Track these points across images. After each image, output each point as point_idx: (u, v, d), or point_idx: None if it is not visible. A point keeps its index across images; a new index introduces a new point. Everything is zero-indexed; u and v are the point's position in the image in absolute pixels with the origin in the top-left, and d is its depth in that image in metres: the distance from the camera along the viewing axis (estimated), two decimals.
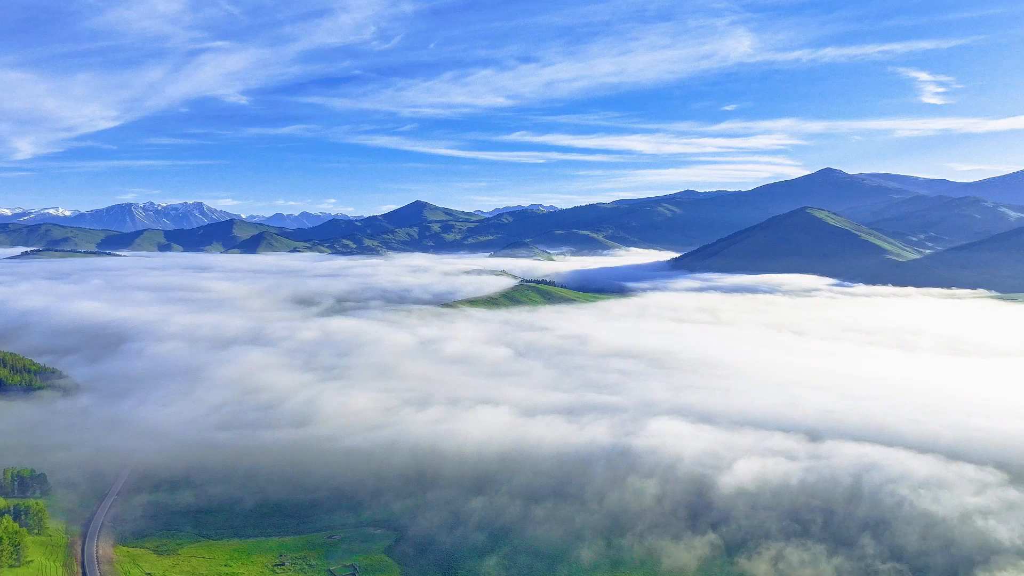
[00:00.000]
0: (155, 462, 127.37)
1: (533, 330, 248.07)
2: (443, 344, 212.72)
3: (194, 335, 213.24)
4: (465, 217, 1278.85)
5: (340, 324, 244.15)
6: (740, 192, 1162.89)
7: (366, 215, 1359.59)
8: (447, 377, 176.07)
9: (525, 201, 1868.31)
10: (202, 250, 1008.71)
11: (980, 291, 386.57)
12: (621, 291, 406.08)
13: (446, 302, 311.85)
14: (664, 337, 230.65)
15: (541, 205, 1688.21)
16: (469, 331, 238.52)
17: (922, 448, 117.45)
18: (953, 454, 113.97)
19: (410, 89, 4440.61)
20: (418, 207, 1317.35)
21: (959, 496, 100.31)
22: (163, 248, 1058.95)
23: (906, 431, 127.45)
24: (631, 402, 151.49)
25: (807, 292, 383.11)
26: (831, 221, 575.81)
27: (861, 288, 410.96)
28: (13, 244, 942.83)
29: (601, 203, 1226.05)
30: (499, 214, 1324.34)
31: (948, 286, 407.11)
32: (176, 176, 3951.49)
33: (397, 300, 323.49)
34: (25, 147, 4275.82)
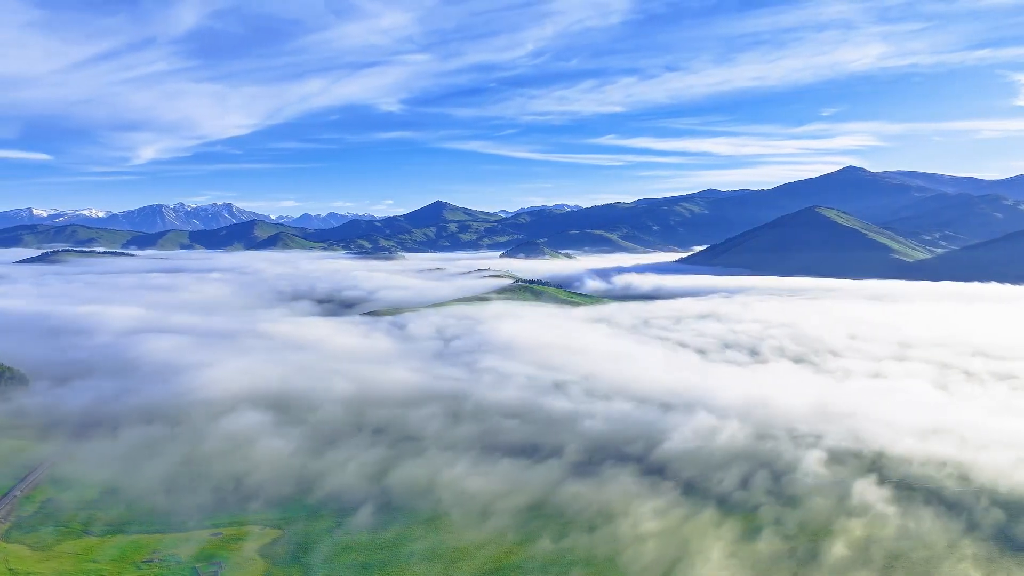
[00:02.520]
0: (68, 454, 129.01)
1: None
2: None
3: (136, 329, 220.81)
4: (484, 217, 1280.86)
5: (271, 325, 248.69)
6: (762, 191, 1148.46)
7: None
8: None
9: (580, 201, 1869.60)
10: (223, 250, 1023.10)
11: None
12: (612, 292, 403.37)
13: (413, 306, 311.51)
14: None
15: (566, 204, 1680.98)
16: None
17: None
18: None
19: (542, 98, 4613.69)
20: (438, 207, 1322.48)
21: None
22: (185, 248, 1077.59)
23: None
24: None
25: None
26: (840, 220, 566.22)
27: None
28: (40, 244, 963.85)
29: (620, 203, 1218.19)
30: (518, 214, 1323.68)
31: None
32: (261, 179, 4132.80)
33: (377, 301, 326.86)
34: (146, 153, 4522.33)
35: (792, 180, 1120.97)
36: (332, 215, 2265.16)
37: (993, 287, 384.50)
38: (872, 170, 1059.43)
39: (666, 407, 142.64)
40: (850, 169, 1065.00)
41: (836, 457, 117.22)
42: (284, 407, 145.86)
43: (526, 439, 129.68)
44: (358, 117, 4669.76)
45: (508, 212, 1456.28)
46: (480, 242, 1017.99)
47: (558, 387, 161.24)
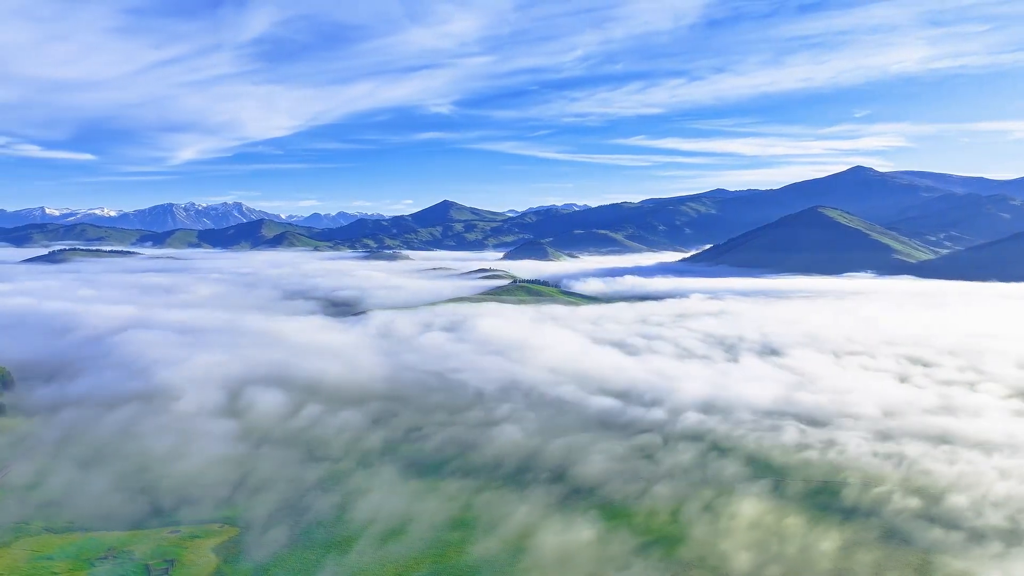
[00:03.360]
0: (35, 451, 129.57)
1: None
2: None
3: (120, 327, 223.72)
4: (491, 216, 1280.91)
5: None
6: (770, 191, 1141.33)
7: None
8: None
9: (601, 201, 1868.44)
10: (229, 248, 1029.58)
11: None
12: (609, 293, 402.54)
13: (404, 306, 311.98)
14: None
15: (575, 204, 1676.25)
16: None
17: None
18: None
19: (586, 99, 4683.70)
20: (445, 206, 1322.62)
21: None
22: (192, 247, 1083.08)
23: None
24: None
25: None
26: (843, 220, 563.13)
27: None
28: (49, 243, 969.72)
29: (627, 202, 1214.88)
30: (525, 213, 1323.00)
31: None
32: (290, 178, 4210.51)
33: (368, 301, 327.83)
34: (185, 154, 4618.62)
35: (806, 180, 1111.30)
36: (341, 214, 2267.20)
37: (993, 286, 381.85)
38: (895, 170, 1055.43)
39: (622, 413, 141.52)
40: (858, 169, 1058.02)
41: (780, 472, 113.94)
42: (239, 407, 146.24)
43: (463, 445, 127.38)
44: (404, 118, 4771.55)
45: (516, 212, 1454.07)
46: (486, 242, 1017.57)
47: (517, 390, 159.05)
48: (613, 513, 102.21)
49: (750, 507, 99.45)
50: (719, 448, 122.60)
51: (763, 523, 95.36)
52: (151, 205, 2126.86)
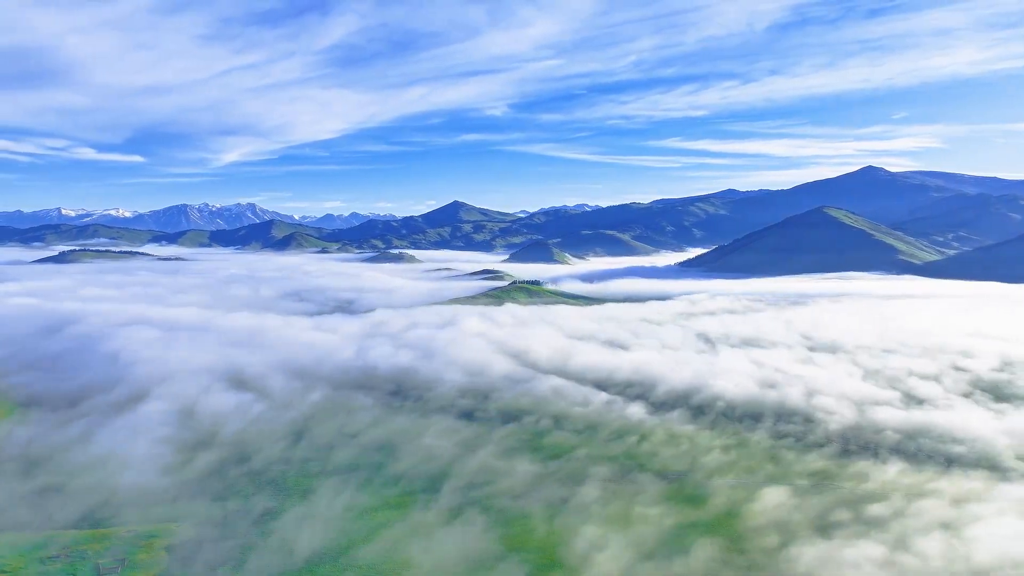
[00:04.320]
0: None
1: None
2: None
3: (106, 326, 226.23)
4: (500, 217, 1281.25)
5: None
6: (780, 191, 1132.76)
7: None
8: None
9: (614, 202, 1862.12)
10: (240, 248, 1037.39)
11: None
12: (608, 293, 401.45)
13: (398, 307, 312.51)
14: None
15: (586, 205, 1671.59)
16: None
17: None
18: None
19: (635, 102, 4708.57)
20: (454, 207, 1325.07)
21: None
22: (203, 247, 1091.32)
23: None
24: None
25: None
26: (847, 220, 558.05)
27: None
28: (61, 243, 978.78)
29: (636, 203, 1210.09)
30: (534, 214, 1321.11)
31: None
32: (327, 180, 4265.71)
33: (362, 302, 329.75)
34: (229, 157, 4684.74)
35: (817, 180, 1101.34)
36: (354, 215, 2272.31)
37: (998, 287, 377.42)
38: (907, 170, 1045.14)
39: (573, 415, 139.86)
40: (869, 169, 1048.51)
41: (717, 475, 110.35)
42: (201, 409, 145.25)
43: (392, 451, 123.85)
44: (456, 121, 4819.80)
45: (527, 212, 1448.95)
46: (494, 242, 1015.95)
47: (477, 391, 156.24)
48: (515, 524, 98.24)
49: (658, 518, 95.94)
50: (652, 458, 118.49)
51: (656, 533, 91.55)
52: (164, 206, 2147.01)
